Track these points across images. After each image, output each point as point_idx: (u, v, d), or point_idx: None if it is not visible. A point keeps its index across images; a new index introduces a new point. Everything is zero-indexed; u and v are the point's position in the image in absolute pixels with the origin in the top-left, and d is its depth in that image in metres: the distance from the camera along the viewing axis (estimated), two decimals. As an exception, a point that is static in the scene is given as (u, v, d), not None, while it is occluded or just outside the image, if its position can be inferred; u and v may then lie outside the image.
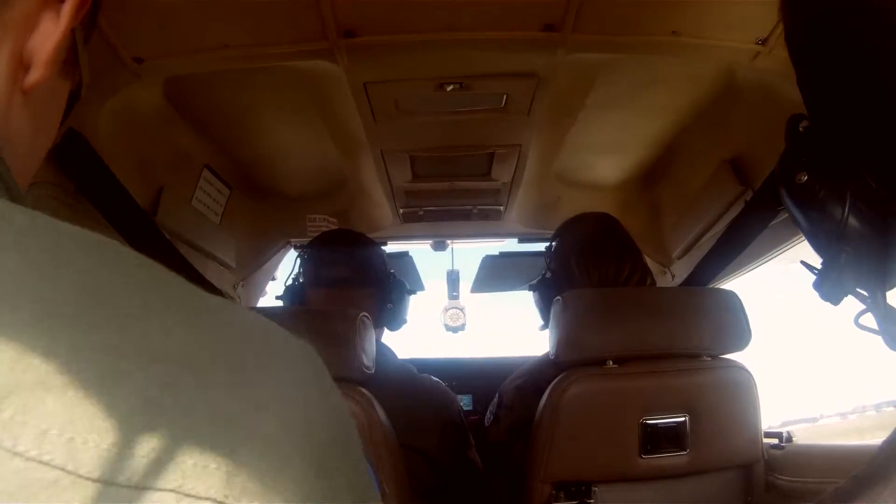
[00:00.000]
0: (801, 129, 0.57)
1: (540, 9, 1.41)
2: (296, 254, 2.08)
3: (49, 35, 0.45)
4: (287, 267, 2.87)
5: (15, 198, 0.38)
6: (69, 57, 0.48)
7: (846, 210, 0.51)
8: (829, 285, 0.55)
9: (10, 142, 0.45)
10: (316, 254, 2.00)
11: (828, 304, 0.57)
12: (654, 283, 1.97)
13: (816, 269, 0.57)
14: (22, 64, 0.45)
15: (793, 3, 0.53)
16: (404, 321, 2.12)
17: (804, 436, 1.86)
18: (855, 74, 0.48)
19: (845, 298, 0.56)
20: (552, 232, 2.09)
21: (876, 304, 0.53)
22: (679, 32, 1.47)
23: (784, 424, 1.89)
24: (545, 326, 1.95)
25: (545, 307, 1.94)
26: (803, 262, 0.59)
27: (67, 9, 0.46)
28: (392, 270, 2.05)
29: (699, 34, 1.49)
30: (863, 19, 0.45)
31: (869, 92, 0.48)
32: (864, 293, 0.53)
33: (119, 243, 0.35)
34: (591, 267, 1.87)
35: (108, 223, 1.63)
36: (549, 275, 1.99)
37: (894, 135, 0.47)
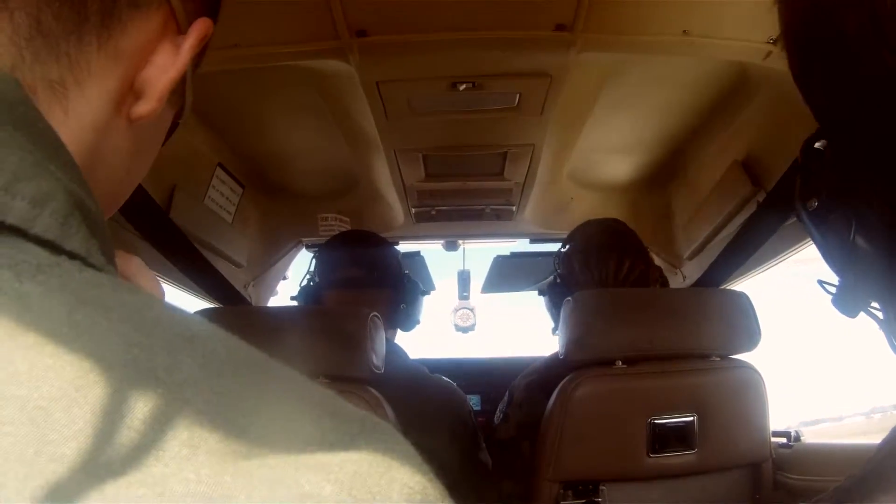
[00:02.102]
0: (815, 147, 0.57)
1: (551, 8, 1.41)
2: (308, 253, 2.08)
3: (166, 69, 0.45)
4: (298, 266, 2.89)
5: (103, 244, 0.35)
6: (177, 86, 0.48)
7: (852, 235, 0.51)
8: (845, 303, 0.56)
9: (104, 164, 0.45)
10: (330, 254, 2.00)
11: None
12: (659, 279, 1.97)
13: (829, 285, 0.58)
14: (132, 91, 0.45)
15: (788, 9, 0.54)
16: (417, 322, 2.12)
17: (829, 435, 1.85)
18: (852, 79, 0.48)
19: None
20: (563, 232, 2.09)
21: (888, 321, 0.54)
22: (690, 32, 1.47)
23: (805, 424, 1.88)
24: (557, 329, 1.96)
25: (555, 311, 1.96)
26: (819, 282, 0.60)
27: (188, 47, 0.46)
28: (406, 271, 2.05)
29: (710, 34, 1.48)
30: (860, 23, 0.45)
31: (869, 100, 0.48)
32: (879, 309, 0.54)
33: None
34: (592, 266, 1.89)
35: (126, 220, 1.65)
36: (557, 280, 2.01)
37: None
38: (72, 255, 0.32)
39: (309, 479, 0.26)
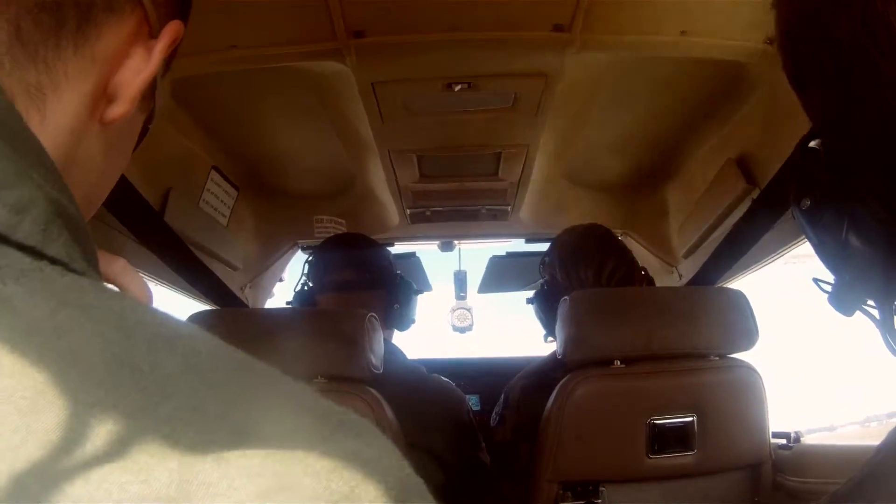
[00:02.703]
0: (810, 147, 0.57)
1: (549, 9, 1.41)
2: (303, 255, 2.08)
3: (138, 72, 0.46)
4: (294, 268, 2.89)
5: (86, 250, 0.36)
6: (146, 90, 0.49)
7: (845, 233, 0.52)
8: (840, 301, 0.56)
9: (78, 167, 0.45)
10: (322, 259, 2.00)
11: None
12: (644, 278, 1.97)
13: (824, 283, 0.58)
14: (105, 95, 0.46)
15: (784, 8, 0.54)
16: (412, 321, 2.12)
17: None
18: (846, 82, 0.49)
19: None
20: (559, 232, 2.09)
21: (883, 319, 0.54)
22: (687, 32, 1.47)
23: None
24: (549, 334, 1.98)
25: (546, 318, 1.98)
26: (815, 280, 0.61)
27: (159, 49, 0.47)
28: (399, 271, 2.05)
29: (707, 34, 1.49)
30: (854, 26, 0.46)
31: (862, 101, 0.48)
32: (874, 307, 0.54)
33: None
34: (571, 271, 1.91)
35: (121, 223, 1.64)
36: (544, 287, 2.03)
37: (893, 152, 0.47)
38: (53, 261, 0.33)
39: (288, 471, 0.27)
